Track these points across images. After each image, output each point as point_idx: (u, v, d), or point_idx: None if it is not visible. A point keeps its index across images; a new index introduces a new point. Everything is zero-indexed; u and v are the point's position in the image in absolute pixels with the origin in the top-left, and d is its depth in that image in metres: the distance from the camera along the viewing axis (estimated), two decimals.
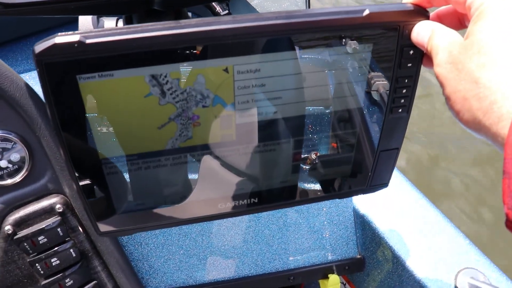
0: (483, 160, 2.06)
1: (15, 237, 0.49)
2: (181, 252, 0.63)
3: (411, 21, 0.34)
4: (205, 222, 0.63)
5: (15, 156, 0.46)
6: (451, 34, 0.31)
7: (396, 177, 0.71)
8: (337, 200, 0.68)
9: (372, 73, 0.38)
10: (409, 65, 0.37)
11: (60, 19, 0.77)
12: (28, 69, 0.73)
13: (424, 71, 0.38)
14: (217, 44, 0.33)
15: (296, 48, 0.35)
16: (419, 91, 0.44)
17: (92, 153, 0.36)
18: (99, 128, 0.35)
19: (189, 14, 0.46)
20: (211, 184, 0.41)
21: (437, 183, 1.98)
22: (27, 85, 0.44)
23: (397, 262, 0.63)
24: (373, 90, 0.39)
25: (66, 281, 0.52)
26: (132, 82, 0.33)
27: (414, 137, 2.16)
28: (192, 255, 0.64)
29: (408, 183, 0.71)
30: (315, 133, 0.41)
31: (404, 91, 0.38)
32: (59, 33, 0.30)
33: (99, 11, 0.39)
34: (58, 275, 0.51)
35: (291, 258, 0.68)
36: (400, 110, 0.40)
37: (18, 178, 0.47)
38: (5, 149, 0.46)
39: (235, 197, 0.42)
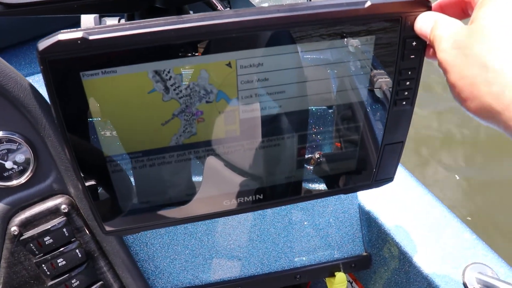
0: None
1: (21, 238, 0.49)
2: (187, 252, 0.63)
3: (413, 12, 0.34)
4: (210, 221, 0.63)
5: (20, 157, 0.46)
6: (455, 23, 0.31)
7: (401, 172, 0.71)
8: (342, 197, 0.67)
9: (375, 66, 0.38)
10: (412, 56, 0.37)
11: (63, 22, 0.77)
12: (32, 72, 0.74)
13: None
14: (220, 39, 0.33)
15: (299, 41, 0.35)
16: None
17: (96, 151, 0.36)
18: (103, 125, 0.35)
19: (191, 12, 0.46)
20: (216, 180, 0.41)
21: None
22: (31, 86, 0.44)
23: (404, 259, 0.63)
24: (375, 88, 0.39)
25: (73, 281, 0.52)
26: (136, 78, 0.33)
27: None
28: (198, 255, 0.64)
29: (413, 179, 0.71)
30: (319, 127, 0.41)
31: (408, 83, 0.38)
32: (63, 30, 0.30)
33: (102, 10, 0.39)
34: (65, 276, 0.51)
35: (297, 257, 0.67)
36: (404, 103, 0.39)
37: (23, 179, 0.47)
38: (10, 150, 0.46)
39: (240, 194, 0.42)
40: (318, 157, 0.43)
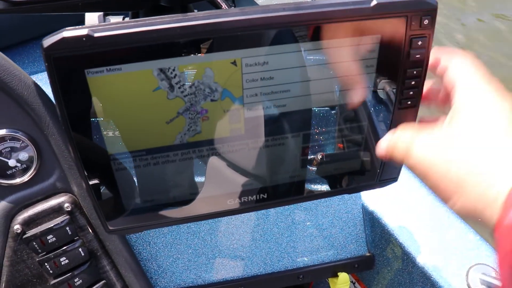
0: None
1: (24, 236, 0.49)
2: (190, 251, 0.63)
3: (419, 11, 0.34)
4: (214, 221, 0.63)
5: (23, 155, 0.46)
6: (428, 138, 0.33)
7: (404, 173, 0.71)
8: (345, 197, 0.67)
9: (380, 65, 0.37)
10: (418, 55, 0.36)
11: (67, 21, 0.77)
12: (35, 71, 0.74)
13: None
14: (225, 37, 0.33)
15: (304, 40, 0.35)
16: None
17: (100, 149, 0.36)
18: (107, 123, 0.35)
19: (195, 11, 0.46)
20: (220, 179, 0.41)
21: None
22: (35, 84, 0.44)
23: (407, 260, 0.63)
24: (380, 88, 0.38)
25: (75, 280, 0.52)
26: (140, 76, 0.33)
27: None
28: (201, 254, 0.64)
29: (416, 180, 0.70)
30: (323, 126, 0.41)
31: (413, 82, 0.38)
32: (67, 27, 0.30)
33: (107, 7, 0.39)
34: (67, 275, 0.51)
35: (300, 257, 0.67)
36: (409, 102, 0.39)
37: (26, 177, 0.47)
38: (13, 148, 0.46)
39: (244, 193, 0.42)
40: (322, 157, 0.43)
